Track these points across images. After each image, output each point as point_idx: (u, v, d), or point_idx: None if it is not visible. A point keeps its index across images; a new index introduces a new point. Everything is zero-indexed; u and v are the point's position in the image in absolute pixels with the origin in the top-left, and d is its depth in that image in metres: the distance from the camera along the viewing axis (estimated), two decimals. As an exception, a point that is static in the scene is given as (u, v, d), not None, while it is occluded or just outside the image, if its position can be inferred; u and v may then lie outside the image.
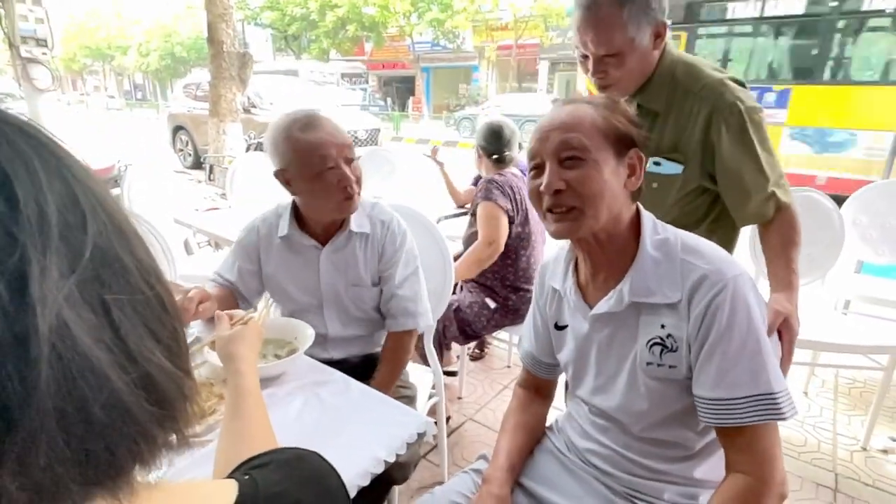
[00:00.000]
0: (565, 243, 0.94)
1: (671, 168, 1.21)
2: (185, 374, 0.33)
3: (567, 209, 0.81)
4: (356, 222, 1.30)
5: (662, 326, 0.80)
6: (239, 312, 0.94)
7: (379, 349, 1.42)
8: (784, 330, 0.99)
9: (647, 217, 0.86)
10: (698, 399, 0.78)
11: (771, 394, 0.74)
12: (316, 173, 1.17)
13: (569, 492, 0.93)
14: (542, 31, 18.53)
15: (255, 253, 1.36)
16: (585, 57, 1.18)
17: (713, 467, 0.87)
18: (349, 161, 1.21)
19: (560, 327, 0.97)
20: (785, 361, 0.97)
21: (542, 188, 0.81)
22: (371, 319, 1.39)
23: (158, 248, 1.68)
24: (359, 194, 1.24)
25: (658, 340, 0.81)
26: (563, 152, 0.80)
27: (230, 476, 0.42)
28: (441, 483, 1.12)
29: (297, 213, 1.32)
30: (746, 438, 0.75)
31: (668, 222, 1.17)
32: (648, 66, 1.17)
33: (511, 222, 1.98)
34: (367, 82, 26.11)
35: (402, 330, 1.34)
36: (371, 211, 1.35)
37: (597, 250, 0.85)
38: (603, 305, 0.85)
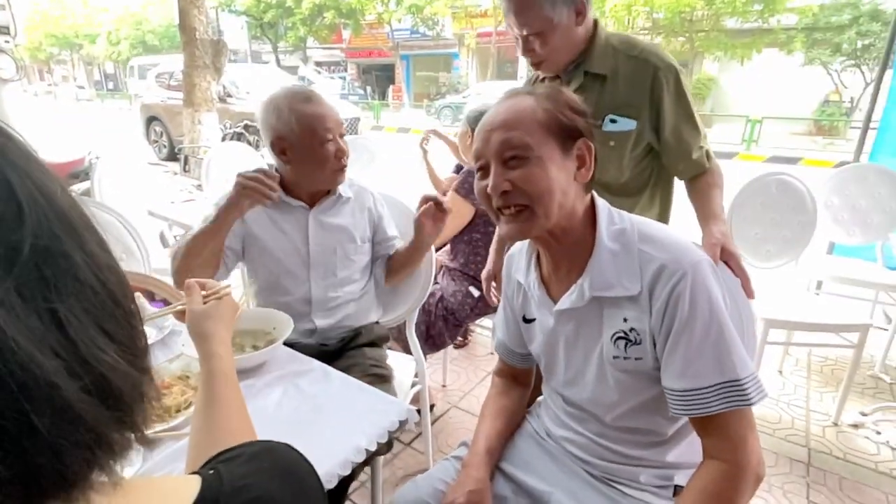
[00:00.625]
0: None
1: (626, 124, 1.28)
2: (142, 373, 0.31)
3: (517, 209, 0.80)
4: (341, 188, 1.39)
5: (625, 320, 0.80)
6: (211, 282, 0.81)
7: (362, 323, 1.46)
8: (727, 258, 1.02)
9: (603, 207, 0.85)
10: (667, 390, 0.78)
11: (737, 380, 0.74)
12: (318, 143, 1.25)
13: (548, 475, 0.94)
14: (521, 17, 18.43)
15: (238, 229, 1.35)
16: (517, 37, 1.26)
17: (685, 450, 0.88)
18: (342, 136, 1.31)
19: (528, 320, 0.97)
20: (745, 282, 0.99)
21: (488, 189, 0.80)
22: (354, 281, 1.43)
23: (131, 241, 1.64)
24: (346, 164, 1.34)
25: (622, 334, 0.81)
26: (506, 152, 0.78)
27: (198, 471, 0.41)
28: (426, 470, 1.12)
29: (281, 182, 1.32)
30: (718, 425, 0.76)
31: (622, 184, 1.25)
32: (575, 42, 1.25)
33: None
34: (345, 70, 25.78)
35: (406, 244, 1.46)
36: (349, 182, 1.44)
37: (554, 246, 0.85)
38: (565, 301, 0.85)
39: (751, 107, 13.49)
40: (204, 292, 0.77)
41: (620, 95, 1.26)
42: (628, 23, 15.36)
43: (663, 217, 1.44)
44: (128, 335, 0.30)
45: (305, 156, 1.27)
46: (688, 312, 0.74)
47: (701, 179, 1.29)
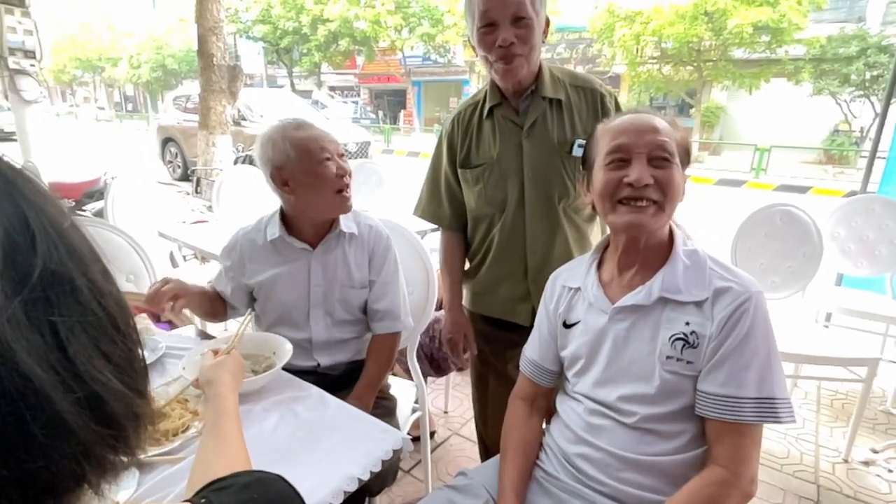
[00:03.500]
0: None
1: None
2: (136, 395, 0.33)
3: (649, 203, 0.88)
4: (345, 223, 1.34)
5: (687, 323, 0.87)
6: (223, 345, 1.00)
7: (362, 358, 1.42)
8: None
9: (679, 233, 0.95)
10: (705, 394, 0.85)
11: (772, 399, 0.82)
12: (316, 162, 1.24)
13: None
14: (531, 46, 18.77)
15: (241, 270, 1.36)
16: (486, 46, 1.18)
17: (691, 474, 0.87)
18: (341, 156, 1.29)
19: (569, 325, 1.02)
20: None
21: (627, 179, 0.88)
22: (356, 321, 1.40)
23: (140, 262, 1.67)
24: (349, 187, 1.30)
25: (682, 336, 0.87)
26: (656, 151, 0.88)
27: (190, 499, 0.42)
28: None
29: (284, 219, 1.33)
30: (734, 435, 0.82)
31: (577, 204, 1.32)
32: (536, 59, 1.24)
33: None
34: (358, 95, 26.29)
35: (387, 332, 1.37)
36: (357, 217, 1.39)
37: (637, 248, 0.93)
38: (630, 298, 0.91)
39: (760, 135, 13.54)
40: (216, 356, 0.93)
41: (579, 122, 1.27)
42: (637, 52, 15.59)
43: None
44: (125, 358, 0.32)
45: (306, 179, 1.24)
46: (747, 330, 0.83)
47: None
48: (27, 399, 0.26)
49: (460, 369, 2.60)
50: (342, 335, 1.38)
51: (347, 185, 1.28)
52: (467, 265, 1.49)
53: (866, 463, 1.98)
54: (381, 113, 25.46)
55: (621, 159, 0.90)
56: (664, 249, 0.93)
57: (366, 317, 1.41)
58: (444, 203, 1.44)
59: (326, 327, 1.36)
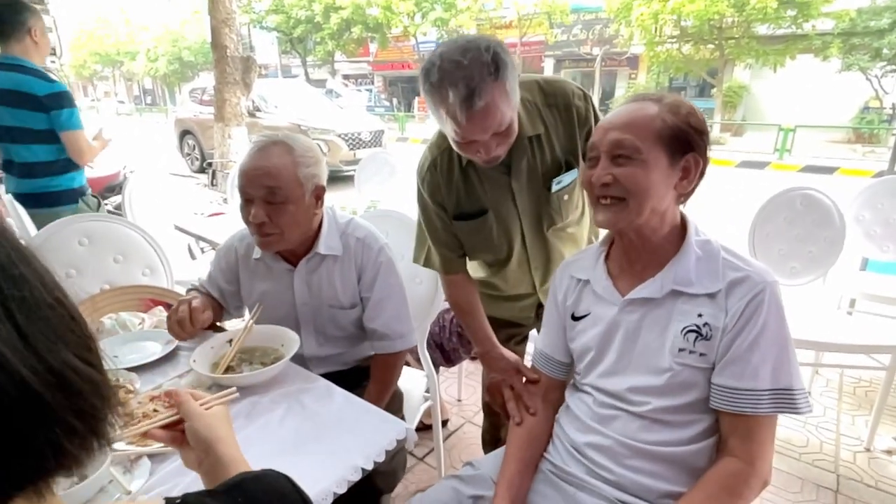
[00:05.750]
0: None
1: (571, 175, 1.21)
2: (101, 375, 0.36)
3: (613, 200, 0.88)
4: (325, 244, 1.27)
5: (700, 315, 0.86)
6: (202, 394, 0.71)
7: (361, 360, 1.42)
8: None
9: (692, 223, 0.93)
10: (720, 388, 0.84)
11: (791, 389, 0.81)
12: (241, 200, 1.19)
13: None
14: (546, 28, 18.44)
15: (234, 275, 1.37)
16: (462, 149, 1.06)
17: (699, 463, 0.88)
18: (269, 201, 1.15)
19: (577, 318, 1.01)
20: None
21: (592, 179, 0.90)
22: (351, 337, 1.37)
23: (154, 257, 1.70)
24: (280, 235, 1.19)
25: (694, 328, 0.86)
26: (615, 150, 0.86)
27: (169, 497, 0.43)
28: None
29: None
30: (750, 427, 0.83)
31: (568, 224, 1.28)
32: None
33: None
34: (372, 83, 26.21)
35: (389, 352, 1.32)
36: (346, 229, 1.31)
37: (637, 244, 0.92)
38: (641, 291, 0.91)
39: (785, 115, 13.10)
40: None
41: (559, 150, 1.18)
42: (655, 31, 15.17)
43: (592, 230, 1.42)
44: (84, 346, 0.36)
45: None
46: (763, 321, 0.82)
47: None
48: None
49: (473, 358, 2.61)
50: (336, 350, 1.36)
51: (266, 233, 1.18)
52: (482, 276, 1.42)
53: (889, 452, 1.94)
54: (395, 100, 25.36)
55: (593, 157, 0.91)
56: (674, 240, 0.91)
57: (362, 331, 1.36)
58: (449, 249, 1.28)
59: (319, 344, 1.34)
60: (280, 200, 1.15)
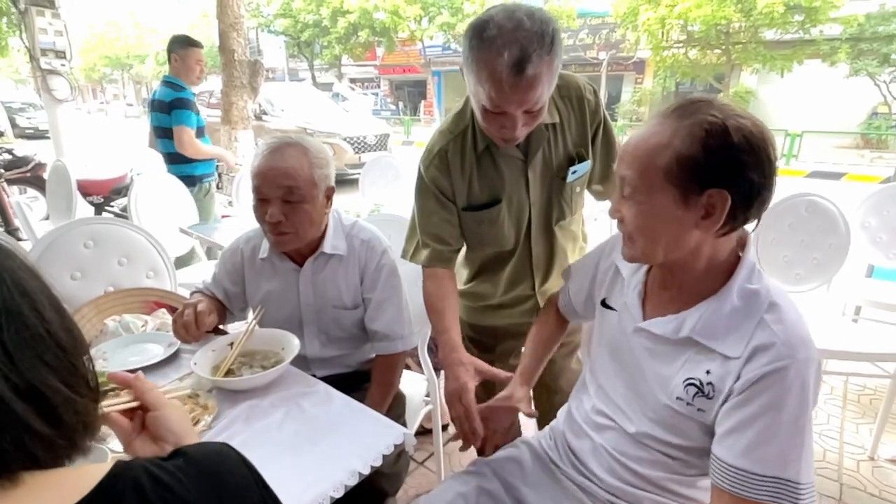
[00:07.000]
0: None
1: (584, 167, 1.21)
2: (77, 396, 0.41)
3: (624, 234, 0.82)
4: (330, 244, 1.29)
5: (708, 372, 0.77)
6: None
7: (363, 364, 1.42)
8: None
9: (748, 264, 0.79)
10: (718, 460, 0.75)
11: (796, 483, 0.70)
12: (256, 198, 1.22)
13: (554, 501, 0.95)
14: (552, 32, 18.45)
15: (239, 276, 1.38)
16: (487, 121, 1.02)
17: (692, 491, 0.87)
18: (287, 200, 1.18)
19: (607, 306, 0.97)
20: None
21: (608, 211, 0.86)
22: (353, 338, 1.38)
23: (158, 259, 1.72)
24: (296, 234, 1.22)
25: (697, 384, 0.78)
26: (624, 188, 0.79)
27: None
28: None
29: None
30: None
31: (573, 219, 1.28)
32: None
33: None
34: (378, 87, 26.32)
35: (390, 353, 1.34)
36: (350, 230, 1.34)
37: (666, 274, 0.85)
38: (656, 325, 0.83)
39: (792, 120, 13.04)
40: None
41: (572, 140, 1.19)
42: (662, 36, 15.16)
43: (584, 227, 1.42)
44: (69, 370, 0.41)
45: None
46: (777, 400, 0.71)
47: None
48: None
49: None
50: (338, 351, 1.37)
51: (281, 233, 1.21)
52: (470, 284, 1.39)
53: (893, 461, 1.92)
54: (401, 104, 25.45)
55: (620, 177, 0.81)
56: (715, 278, 0.79)
57: (364, 333, 1.37)
58: (442, 242, 1.23)
59: (322, 344, 1.35)
60: (297, 200, 1.19)
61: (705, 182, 0.71)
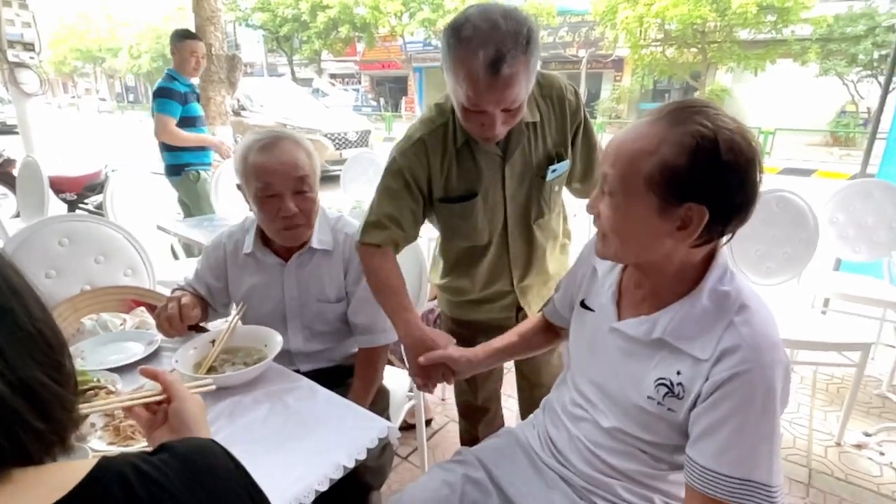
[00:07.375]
0: None
1: (563, 166, 1.23)
2: (66, 392, 0.42)
3: (601, 233, 0.83)
4: (318, 238, 1.30)
5: (678, 373, 0.78)
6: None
7: (346, 358, 1.42)
8: None
9: (720, 266, 0.79)
10: (691, 462, 0.76)
11: (768, 486, 0.70)
12: (258, 197, 1.20)
13: (535, 491, 0.96)
14: (533, 30, 18.55)
15: (222, 271, 1.37)
16: (466, 119, 1.04)
17: (667, 482, 0.89)
18: (299, 192, 1.21)
19: (585, 306, 0.98)
20: None
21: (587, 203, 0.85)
22: (337, 332, 1.38)
23: (137, 257, 1.69)
24: (307, 224, 1.25)
25: (667, 384, 0.79)
26: (605, 186, 0.79)
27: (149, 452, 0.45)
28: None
29: (261, 229, 1.32)
30: None
31: (552, 217, 1.29)
32: None
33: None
34: (359, 82, 26.11)
35: (372, 346, 1.34)
36: (336, 224, 1.35)
37: (640, 274, 0.85)
38: (628, 326, 0.84)
39: (765, 118, 13.37)
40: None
41: (552, 140, 1.20)
42: (640, 34, 15.37)
43: (566, 224, 1.44)
44: (55, 367, 0.42)
45: (254, 205, 1.23)
46: (745, 401, 0.71)
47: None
48: None
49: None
50: (322, 345, 1.37)
51: (291, 224, 1.21)
52: (447, 279, 1.39)
53: (858, 446, 2.00)
54: (382, 100, 25.31)
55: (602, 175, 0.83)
56: (687, 281, 0.79)
57: (347, 327, 1.38)
58: (401, 227, 1.20)
59: (305, 339, 1.35)
60: (307, 190, 1.22)
61: (686, 195, 0.71)
